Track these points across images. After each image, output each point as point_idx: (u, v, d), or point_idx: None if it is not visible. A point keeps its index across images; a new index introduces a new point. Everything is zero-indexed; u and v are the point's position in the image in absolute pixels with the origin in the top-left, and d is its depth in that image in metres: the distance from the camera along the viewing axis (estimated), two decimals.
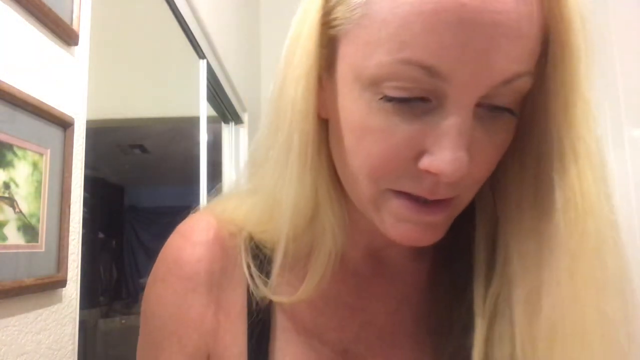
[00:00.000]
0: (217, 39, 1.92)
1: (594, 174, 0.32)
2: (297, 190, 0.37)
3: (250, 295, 0.42)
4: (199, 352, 0.42)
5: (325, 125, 0.38)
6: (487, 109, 0.32)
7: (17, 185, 0.67)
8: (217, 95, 2.15)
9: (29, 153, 0.69)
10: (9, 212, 0.65)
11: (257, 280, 0.41)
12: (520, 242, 0.35)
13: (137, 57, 2.15)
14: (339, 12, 0.34)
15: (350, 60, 0.33)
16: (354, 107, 0.33)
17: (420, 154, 0.32)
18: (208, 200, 0.52)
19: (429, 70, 0.29)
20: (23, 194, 0.68)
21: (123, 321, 3.59)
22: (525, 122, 0.34)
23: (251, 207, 0.43)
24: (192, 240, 0.44)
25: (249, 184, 0.46)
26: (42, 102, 0.71)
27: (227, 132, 2.44)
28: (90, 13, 0.88)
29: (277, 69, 0.39)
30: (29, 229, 0.69)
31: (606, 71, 2.63)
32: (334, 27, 0.34)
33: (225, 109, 2.32)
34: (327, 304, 0.42)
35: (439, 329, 0.40)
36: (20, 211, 0.67)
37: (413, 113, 0.31)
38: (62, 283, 0.76)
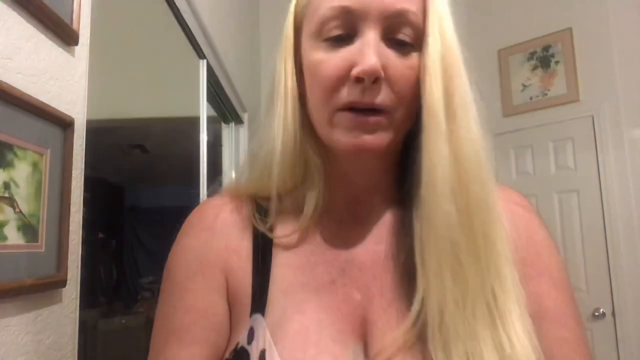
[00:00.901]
0: (217, 39, 1.92)
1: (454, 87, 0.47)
2: (284, 140, 0.51)
3: (255, 241, 0.54)
4: (221, 286, 0.53)
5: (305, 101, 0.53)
6: (394, 43, 0.48)
7: (17, 185, 0.67)
8: (217, 95, 2.15)
9: (29, 153, 0.70)
10: (9, 212, 0.65)
11: (261, 226, 0.54)
12: (432, 162, 0.48)
13: (137, 57, 2.15)
14: (299, 7, 0.53)
15: (307, 27, 0.52)
16: (309, 56, 0.51)
17: (351, 67, 0.47)
18: None
19: (347, 10, 0.47)
20: (23, 194, 0.68)
21: (123, 321, 3.59)
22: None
23: (253, 173, 0.56)
24: (210, 204, 0.58)
25: (252, 154, 0.58)
26: (42, 102, 0.72)
27: (227, 132, 2.45)
28: (90, 13, 0.88)
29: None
30: (29, 229, 0.69)
31: (605, 71, 2.64)
32: (299, 15, 0.53)
33: (225, 109, 2.32)
34: (317, 247, 0.54)
35: (406, 259, 0.51)
36: (20, 211, 0.67)
37: (345, 44, 0.48)
38: (62, 283, 0.76)
